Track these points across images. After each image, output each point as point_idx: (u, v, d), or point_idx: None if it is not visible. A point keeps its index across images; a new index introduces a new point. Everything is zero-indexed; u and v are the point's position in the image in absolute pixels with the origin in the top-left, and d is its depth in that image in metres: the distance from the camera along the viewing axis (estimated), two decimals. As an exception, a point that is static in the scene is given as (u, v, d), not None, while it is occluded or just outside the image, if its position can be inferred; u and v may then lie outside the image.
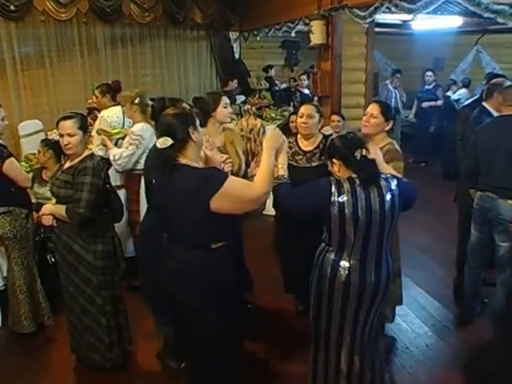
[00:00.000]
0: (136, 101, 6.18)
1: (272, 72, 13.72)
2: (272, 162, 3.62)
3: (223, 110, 5.17)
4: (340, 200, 3.48)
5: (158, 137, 3.52)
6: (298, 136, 5.25)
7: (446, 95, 12.25)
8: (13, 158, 5.18)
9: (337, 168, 3.65)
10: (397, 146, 4.69)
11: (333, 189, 3.51)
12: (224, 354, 3.81)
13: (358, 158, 3.51)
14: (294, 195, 3.67)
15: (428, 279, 6.47)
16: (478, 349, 3.55)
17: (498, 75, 7.48)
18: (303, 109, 5.16)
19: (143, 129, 6.03)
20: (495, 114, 5.54)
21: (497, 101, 5.51)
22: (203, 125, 4.50)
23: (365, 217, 3.47)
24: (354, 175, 3.56)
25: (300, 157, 5.12)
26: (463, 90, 11.95)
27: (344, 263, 3.62)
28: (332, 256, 3.67)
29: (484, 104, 5.99)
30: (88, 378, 4.90)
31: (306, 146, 5.17)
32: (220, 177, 3.42)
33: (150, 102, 5.89)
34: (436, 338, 5.35)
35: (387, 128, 4.78)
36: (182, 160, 3.52)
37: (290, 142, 5.06)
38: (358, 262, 3.61)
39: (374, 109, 4.75)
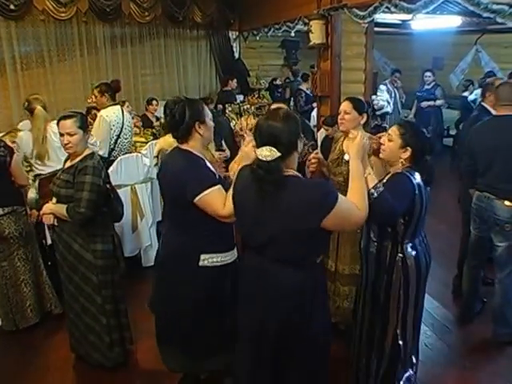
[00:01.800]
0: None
1: (277, 81, 13.80)
2: (362, 173, 3.43)
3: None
4: (417, 193, 3.65)
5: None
6: None
7: (462, 96, 12.23)
8: (16, 156, 5.32)
9: (405, 156, 3.73)
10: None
11: (415, 183, 3.66)
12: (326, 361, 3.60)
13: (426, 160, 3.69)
14: (391, 203, 3.50)
15: (427, 279, 6.48)
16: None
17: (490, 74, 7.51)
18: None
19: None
20: (494, 112, 5.55)
21: (491, 101, 5.53)
22: (167, 133, 4.89)
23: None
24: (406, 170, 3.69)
25: None
26: (479, 90, 11.93)
27: (419, 248, 3.89)
28: (409, 247, 3.83)
29: (483, 103, 6.01)
30: (88, 376, 4.92)
31: None
32: (334, 192, 3.04)
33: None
34: (435, 337, 5.36)
35: (362, 121, 4.81)
36: (288, 171, 3.11)
37: None
38: (424, 246, 3.98)
39: (346, 106, 4.80)
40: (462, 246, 6.06)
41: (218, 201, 3.57)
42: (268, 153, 2.97)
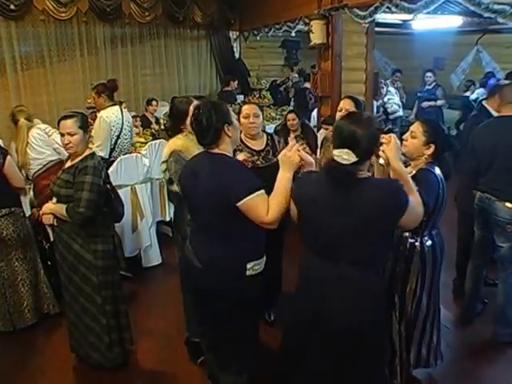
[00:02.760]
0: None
1: (279, 81, 13.80)
2: (406, 172, 3.50)
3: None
4: (441, 186, 3.92)
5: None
6: (243, 137, 5.09)
7: (464, 95, 12.23)
8: (10, 157, 5.30)
9: (428, 152, 3.90)
10: None
11: (439, 178, 3.89)
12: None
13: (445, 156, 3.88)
14: (425, 199, 3.53)
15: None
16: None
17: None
18: (247, 108, 5.06)
19: None
20: (494, 113, 5.54)
21: (497, 102, 5.51)
22: (173, 135, 4.60)
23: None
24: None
25: (256, 157, 5.02)
26: (480, 90, 11.91)
27: (436, 238, 4.15)
28: (427, 237, 4.08)
29: (484, 103, 5.99)
30: (87, 377, 4.90)
31: (254, 145, 5.10)
32: (405, 192, 3.13)
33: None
34: (436, 337, 5.34)
35: None
36: (362, 173, 3.15)
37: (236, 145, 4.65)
38: (440, 237, 4.22)
39: (348, 104, 5.01)
40: (459, 247, 6.04)
41: (262, 205, 3.42)
42: (346, 156, 3.01)
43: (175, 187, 4.31)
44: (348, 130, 3.06)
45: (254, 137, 5.08)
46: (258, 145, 5.09)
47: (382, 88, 11.32)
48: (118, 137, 6.82)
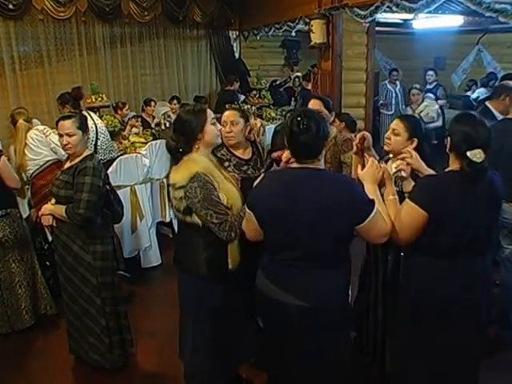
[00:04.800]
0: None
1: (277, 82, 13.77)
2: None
3: (211, 128, 3.77)
4: None
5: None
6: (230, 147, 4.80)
7: (465, 95, 12.19)
8: (4, 157, 5.26)
9: (412, 146, 3.94)
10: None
11: None
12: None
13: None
14: None
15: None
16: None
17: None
18: (225, 115, 4.71)
19: None
20: (497, 114, 5.50)
21: (503, 103, 5.46)
22: (187, 152, 3.67)
23: None
24: None
25: (246, 167, 4.71)
26: (481, 89, 11.88)
27: None
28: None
29: (487, 103, 5.94)
30: (87, 379, 4.89)
31: (242, 154, 4.75)
32: None
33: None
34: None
35: (331, 120, 4.95)
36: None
37: (223, 155, 4.62)
38: None
39: (316, 104, 4.85)
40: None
41: (382, 218, 3.29)
42: (480, 155, 3.20)
43: (195, 218, 3.62)
44: (484, 131, 3.33)
45: (237, 146, 4.71)
46: (246, 154, 4.76)
47: (414, 95, 10.41)
48: (97, 139, 6.82)
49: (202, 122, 3.66)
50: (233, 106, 10.17)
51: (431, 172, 3.70)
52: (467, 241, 3.38)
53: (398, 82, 12.71)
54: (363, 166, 3.64)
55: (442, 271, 3.46)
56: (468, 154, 3.21)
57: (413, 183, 3.67)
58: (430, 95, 10.78)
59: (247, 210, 3.38)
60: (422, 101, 9.88)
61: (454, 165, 3.46)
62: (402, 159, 3.79)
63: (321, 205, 3.09)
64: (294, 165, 3.31)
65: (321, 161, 3.27)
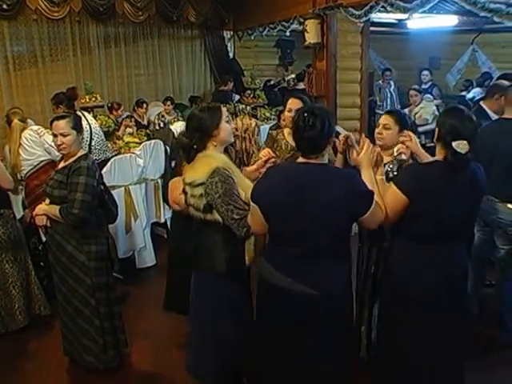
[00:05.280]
0: None
1: (271, 82, 13.76)
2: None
3: (226, 125, 3.77)
4: None
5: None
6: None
7: (460, 95, 12.20)
8: None
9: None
10: None
11: None
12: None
13: None
14: None
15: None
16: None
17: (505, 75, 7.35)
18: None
19: None
20: (492, 114, 5.49)
21: (497, 103, 5.45)
22: (201, 150, 3.63)
23: None
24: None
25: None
26: (477, 89, 11.88)
27: None
28: None
29: (481, 104, 5.93)
30: (82, 380, 4.88)
31: None
32: None
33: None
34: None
35: None
36: None
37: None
38: None
39: (297, 104, 4.88)
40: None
41: (379, 205, 3.42)
42: (464, 146, 3.41)
43: (216, 215, 3.55)
44: (471, 125, 3.56)
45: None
46: None
47: (412, 97, 10.29)
48: (91, 139, 6.80)
49: (218, 119, 3.66)
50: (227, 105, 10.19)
51: (428, 156, 3.93)
52: (447, 228, 3.57)
53: (392, 82, 12.75)
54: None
55: (425, 256, 3.67)
56: (453, 144, 3.42)
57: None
58: (429, 96, 10.74)
59: (252, 203, 3.36)
60: (421, 102, 9.84)
61: (439, 155, 3.62)
62: (402, 143, 4.00)
63: (326, 198, 3.13)
64: (300, 159, 3.35)
65: (324, 156, 3.31)
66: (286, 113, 4.95)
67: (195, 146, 3.59)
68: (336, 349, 3.45)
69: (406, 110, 9.87)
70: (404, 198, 3.53)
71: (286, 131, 4.97)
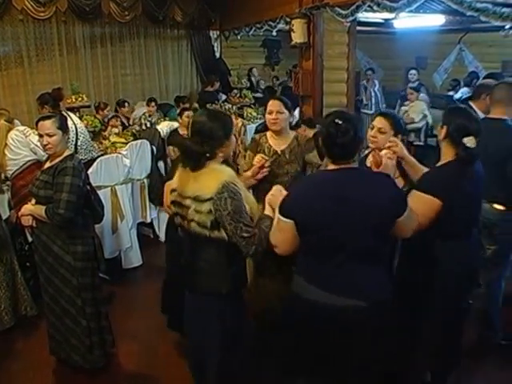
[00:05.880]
0: None
1: (254, 72, 13.73)
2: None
3: (233, 138, 3.64)
4: None
5: None
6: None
7: (448, 95, 12.23)
8: None
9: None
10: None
11: None
12: None
13: None
14: None
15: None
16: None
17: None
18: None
19: None
20: (480, 114, 5.48)
21: (484, 103, 5.46)
22: (211, 158, 3.39)
23: None
24: None
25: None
26: (465, 89, 11.91)
27: None
28: None
29: (470, 103, 5.93)
30: (68, 380, 4.87)
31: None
32: None
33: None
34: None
35: (291, 120, 4.98)
36: None
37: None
38: None
39: (277, 105, 4.75)
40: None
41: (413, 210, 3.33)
42: (473, 141, 3.68)
43: (223, 233, 3.32)
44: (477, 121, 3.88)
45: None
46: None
47: (408, 95, 10.45)
48: (77, 139, 6.77)
49: (230, 129, 3.50)
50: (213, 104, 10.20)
51: (413, 160, 4.07)
52: (475, 220, 4.08)
53: (376, 82, 12.78)
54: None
55: (459, 251, 3.94)
56: (464, 140, 3.65)
57: (397, 172, 4.04)
58: (423, 95, 10.84)
59: (283, 219, 3.19)
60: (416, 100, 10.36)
61: (448, 155, 3.79)
62: (389, 148, 3.96)
63: (369, 201, 3.07)
64: (331, 166, 3.22)
65: (355, 161, 3.26)
66: (267, 115, 4.83)
67: (208, 155, 3.35)
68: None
69: (403, 108, 10.14)
70: (437, 202, 3.64)
71: (269, 134, 4.87)
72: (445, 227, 3.70)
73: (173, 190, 3.50)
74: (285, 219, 3.18)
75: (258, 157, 4.03)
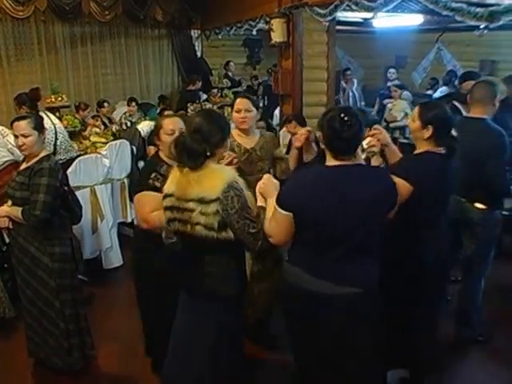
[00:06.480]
0: None
1: (231, 67, 13.74)
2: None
3: (229, 141, 3.69)
4: None
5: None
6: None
7: (426, 94, 12.28)
8: None
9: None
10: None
11: None
12: None
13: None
14: None
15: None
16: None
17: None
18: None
19: None
20: (465, 113, 5.52)
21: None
22: (211, 158, 3.40)
23: None
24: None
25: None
26: (443, 88, 11.96)
27: None
28: None
29: (455, 103, 5.97)
30: (47, 382, 4.85)
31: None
32: None
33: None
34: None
35: (257, 119, 4.98)
36: None
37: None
38: None
39: (245, 104, 4.70)
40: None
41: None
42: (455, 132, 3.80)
43: (230, 233, 3.31)
44: None
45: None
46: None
47: (392, 92, 10.64)
48: (56, 139, 6.75)
49: (228, 129, 3.55)
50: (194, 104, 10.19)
51: (395, 147, 4.22)
52: (443, 211, 4.04)
53: (354, 81, 12.83)
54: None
55: (428, 240, 3.96)
56: (453, 132, 3.80)
57: (380, 159, 4.09)
58: (407, 93, 10.86)
59: (282, 211, 3.20)
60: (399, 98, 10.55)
61: (425, 146, 3.89)
62: (373, 136, 4.03)
63: (369, 196, 3.16)
64: (333, 162, 3.25)
65: (356, 156, 3.30)
66: (235, 113, 4.80)
67: (208, 154, 3.32)
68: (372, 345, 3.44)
69: (389, 105, 10.31)
70: (408, 186, 3.64)
71: (235, 133, 4.77)
72: (413, 215, 3.72)
73: (167, 196, 3.43)
74: (283, 211, 3.20)
75: (225, 154, 4.02)
